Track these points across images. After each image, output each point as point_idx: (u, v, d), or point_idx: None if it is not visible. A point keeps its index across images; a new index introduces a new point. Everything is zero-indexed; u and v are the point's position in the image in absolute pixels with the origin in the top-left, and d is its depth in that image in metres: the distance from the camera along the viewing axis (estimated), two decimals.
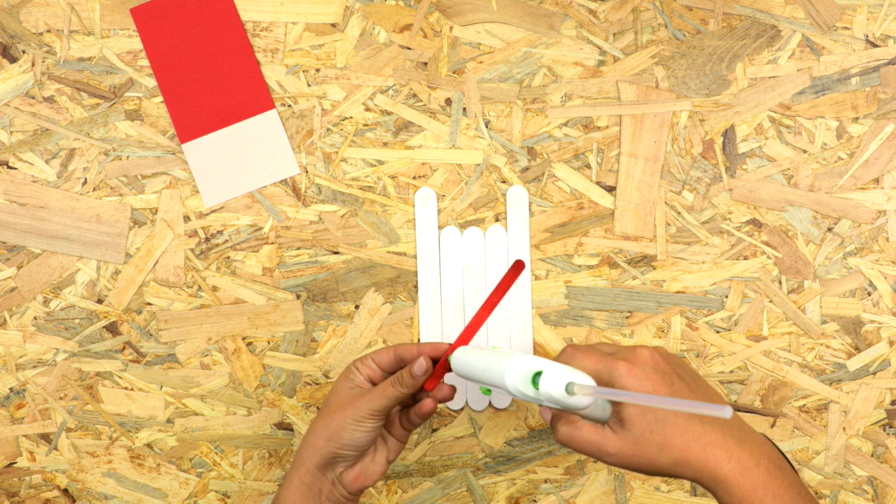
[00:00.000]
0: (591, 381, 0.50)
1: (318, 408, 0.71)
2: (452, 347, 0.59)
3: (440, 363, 0.59)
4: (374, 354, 0.61)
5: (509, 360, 0.52)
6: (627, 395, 0.48)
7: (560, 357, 0.55)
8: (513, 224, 0.71)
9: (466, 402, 0.71)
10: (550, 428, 0.55)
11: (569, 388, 0.49)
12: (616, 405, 0.51)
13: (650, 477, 0.69)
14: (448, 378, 0.63)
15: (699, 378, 0.55)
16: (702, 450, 0.50)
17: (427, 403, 0.59)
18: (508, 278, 0.59)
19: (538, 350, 0.72)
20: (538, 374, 0.50)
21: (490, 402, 0.71)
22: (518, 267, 0.58)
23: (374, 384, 0.60)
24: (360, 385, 0.60)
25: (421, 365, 0.57)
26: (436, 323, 0.71)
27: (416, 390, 0.58)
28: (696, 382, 0.54)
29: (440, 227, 0.71)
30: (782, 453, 0.53)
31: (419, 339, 0.71)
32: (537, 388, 0.50)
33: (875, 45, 0.72)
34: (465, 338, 0.59)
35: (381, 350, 0.61)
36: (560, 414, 0.53)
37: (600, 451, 0.52)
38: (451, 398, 0.60)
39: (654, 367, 0.52)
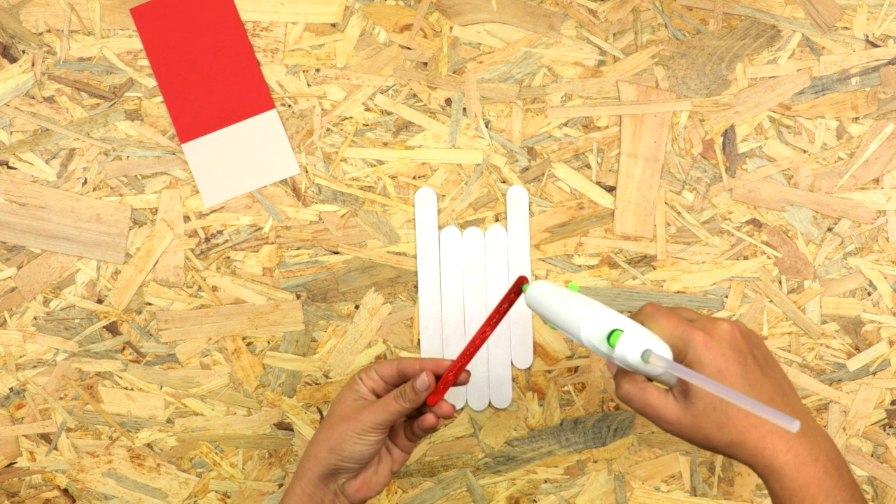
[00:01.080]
0: (667, 351, 0.49)
1: (318, 409, 0.71)
2: (454, 366, 0.59)
3: (443, 379, 0.59)
4: (378, 367, 0.61)
5: (588, 311, 0.51)
6: (699, 379, 0.46)
7: (638, 315, 0.53)
8: (513, 224, 0.71)
9: (466, 403, 0.71)
10: (613, 380, 0.54)
11: (644, 355, 0.48)
12: (690, 386, 0.50)
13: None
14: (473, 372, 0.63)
15: (773, 362, 0.53)
16: (762, 437, 0.49)
17: (429, 418, 0.59)
18: (510, 296, 0.59)
19: (538, 350, 0.72)
20: (615, 332, 0.50)
21: (490, 402, 0.71)
22: (520, 284, 0.58)
23: (377, 396, 0.60)
24: (363, 397, 0.60)
25: (424, 381, 0.58)
26: (436, 323, 0.71)
27: (418, 405, 0.59)
28: (770, 366, 0.52)
29: (440, 227, 0.71)
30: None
31: (419, 340, 0.71)
32: (612, 347, 0.49)
33: (875, 45, 0.72)
34: (466, 357, 0.59)
35: (385, 363, 0.61)
36: (625, 373, 0.52)
37: (659, 417, 0.51)
38: (451, 415, 0.60)
39: (732, 344, 0.50)
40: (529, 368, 0.72)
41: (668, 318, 0.52)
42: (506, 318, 0.71)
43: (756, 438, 0.49)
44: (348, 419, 0.58)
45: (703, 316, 0.53)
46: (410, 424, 0.61)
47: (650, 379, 0.52)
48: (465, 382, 0.60)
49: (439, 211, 0.72)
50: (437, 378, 0.59)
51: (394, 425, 0.61)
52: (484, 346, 0.71)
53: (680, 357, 0.50)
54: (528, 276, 0.71)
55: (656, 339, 0.50)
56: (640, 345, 0.49)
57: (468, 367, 0.60)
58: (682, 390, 0.51)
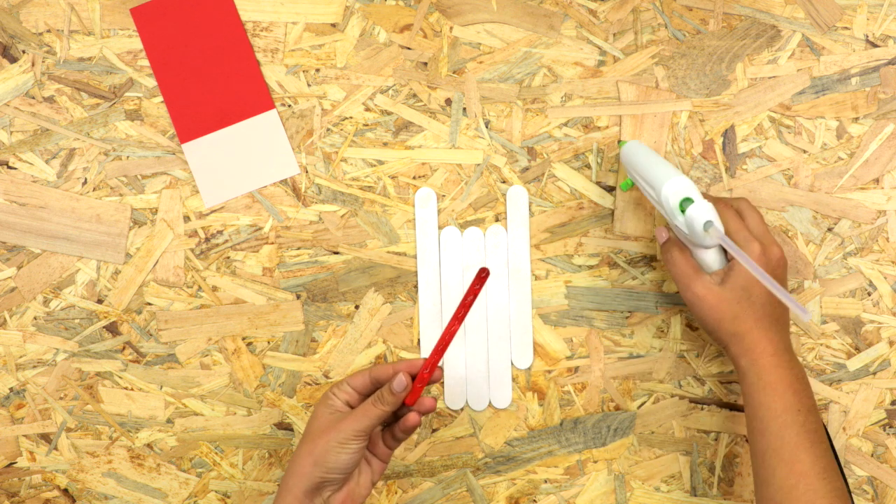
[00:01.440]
0: (723, 229, 0.59)
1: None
2: (427, 363, 0.60)
3: (419, 377, 0.60)
4: (350, 379, 0.61)
5: (673, 175, 0.60)
6: (744, 258, 0.54)
7: (717, 205, 0.61)
8: (513, 224, 0.71)
9: (466, 402, 0.71)
10: (660, 246, 0.65)
11: (706, 226, 0.58)
12: (726, 273, 0.60)
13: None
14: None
15: (789, 317, 0.63)
16: (759, 338, 0.60)
17: (412, 417, 0.60)
18: (474, 287, 0.60)
19: (538, 350, 0.72)
20: (687, 200, 0.59)
21: (490, 402, 0.71)
22: (482, 275, 0.59)
23: (351, 408, 0.60)
24: (339, 409, 0.60)
25: (401, 381, 0.59)
26: (436, 323, 0.71)
27: (397, 407, 0.59)
28: (787, 317, 0.63)
29: (440, 228, 0.71)
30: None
31: (419, 340, 0.71)
32: (682, 212, 0.59)
33: (875, 45, 0.72)
34: (439, 352, 0.60)
35: (356, 374, 0.61)
36: (676, 241, 0.63)
37: (689, 286, 0.61)
38: (433, 409, 0.61)
39: (775, 267, 0.61)
40: (529, 368, 0.72)
41: (736, 221, 0.61)
42: (506, 318, 0.71)
43: (755, 339, 0.60)
44: (329, 431, 0.58)
45: (765, 233, 0.62)
46: (389, 431, 0.62)
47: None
48: (438, 379, 0.61)
49: (439, 211, 0.72)
50: (413, 378, 0.60)
51: (372, 435, 0.61)
52: (484, 346, 0.71)
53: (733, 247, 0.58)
54: (528, 274, 0.71)
55: (718, 221, 0.59)
56: (706, 216, 0.58)
57: (442, 365, 0.63)
58: (719, 278, 0.61)
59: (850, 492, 0.60)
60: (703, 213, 0.59)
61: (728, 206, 0.63)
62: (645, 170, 0.63)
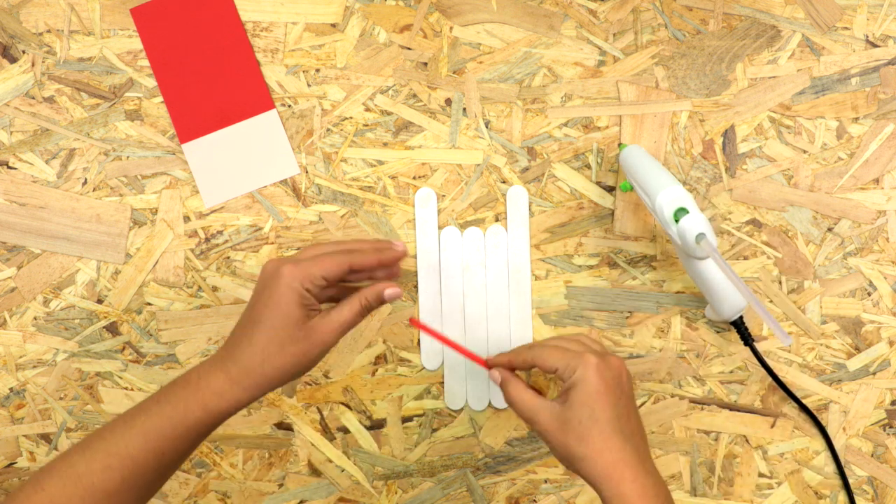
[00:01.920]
0: (715, 242, 0.59)
1: (318, 409, 0.71)
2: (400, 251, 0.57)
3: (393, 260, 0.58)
4: (324, 269, 0.54)
5: (670, 184, 0.61)
6: (732, 274, 0.55)
7: (552, 340, 0.59)
8: (513, 224, 0.71)
9: (466, 402, 0.71)
10: (500, 388, 0.60)
11: (698, 238, 0.58)
12: (566, 392, 0.56)
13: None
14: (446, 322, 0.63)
15: (638, 413, 0.59)
16: (613, 462, 0.54)
17: (393, 292, 0.56)
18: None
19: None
20: (682, 210, 0.59)
21: (490, 402, 0.71)
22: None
23: (313, 296, 0.54)
24: (310, 303, 0.54)
25: (396, 293, 0.56)
26: (436, 323, 0.71)
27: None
28: (636, 413, 0.58)
29: (440, 228, 0.71)
30: None
31: (419, 341, 0.71)
32: (676, 222, 0.59)
33: (875, 45, 0.72)
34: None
35: (327, 260, 0.54)
36: (512, 378, 0.59)
37: (534, 416, 0.57)
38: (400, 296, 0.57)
39: (616, 376, 0.56)
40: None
41: (571, 339, 0.59)
42: (506, 318, 0.71)
43: (608, 461, 0.54)
44: (312, 332, 0.54)
45: (601, 346, 0.60)
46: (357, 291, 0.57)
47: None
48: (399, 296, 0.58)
49: (439, 211, 0.71)
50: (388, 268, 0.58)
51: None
52: (484, 346, 0.71)
53: (570, 372, 0.56)
54: (528, 274, 0.71)
55: (713, 234, 0.59)
56: (699, 228, 0.58)
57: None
58: (562, 398, 0.56)
59: None
60: (696, 224, 0.59)
61: (558, 338, 0.61)
62: (642, 176, 0.64)
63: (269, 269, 0.55)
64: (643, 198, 0.63)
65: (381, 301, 0.56)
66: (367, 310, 0.56)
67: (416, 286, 0.71)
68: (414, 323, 0.61)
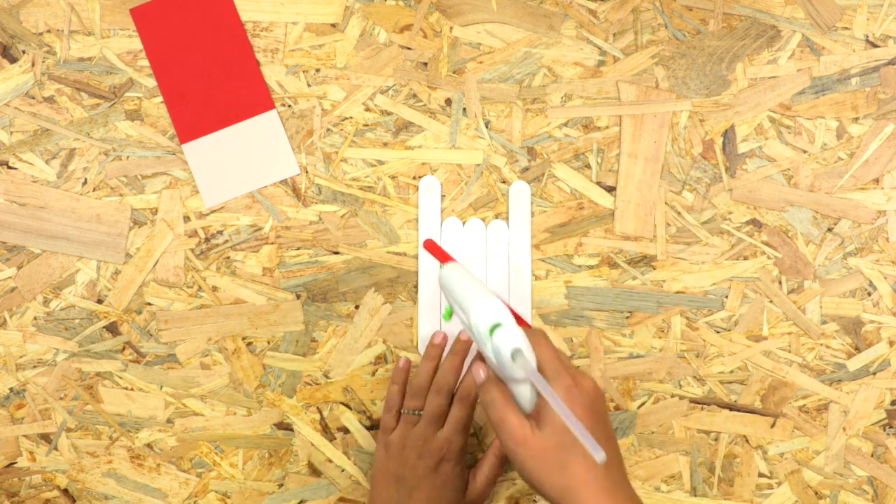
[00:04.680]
0: (534, 361, 0.52)
1: (318, 409, 0.71)
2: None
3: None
4: (463, 440, 0.65)
5: (483, 297, 0.54)
6: (550, 395, 0.49)
7: (528, 332, 0.56)
8: (514, 220, 0.71)
9: None
10: (478, 387, 0.56)
11: (514, 354, 0.51)
12: (543, 410, 0.52)
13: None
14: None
15: (613, 436, 0.56)
16: (597, 493, 0.51)
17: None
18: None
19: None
20: (498, 325, 0.52)
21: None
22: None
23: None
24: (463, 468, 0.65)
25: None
26: (435, 323, 0.71)
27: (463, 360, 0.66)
28: (612, 439, 0.55)
29: (442, 220, 0.71)
30: None
31: (418, 341, 0.71)
32: (491, 336, 0.52)
33: (875, 45, 0.72)
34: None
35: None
36: (496, 380, 0.55)
37: (511, 435, 0.52)
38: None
39: (591, 400, 0.53)
40: None
41: (549, 350, 0.55)
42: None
43: (591, 493, 0.51)
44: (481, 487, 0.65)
45: (575, 367, 0.56)
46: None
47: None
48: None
49: (440, 210, 0.72)
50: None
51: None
52: None
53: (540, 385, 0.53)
54: (529, 272, 0.71)
55: (529, 349, 0.52)
56: (514, 342, 0.51)
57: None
58: (538, 420, 0.53)
59: None
60: (511, 339, 0.52)
61: (540, 336, 0.56)
62: (459, 293, 0.58)
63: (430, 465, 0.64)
64: (462, 320, 0.56)
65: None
66: (504, 460, 0.67)
67: (415, 286, 0.71)
68: (428, 247, 0.64)
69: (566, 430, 0.51)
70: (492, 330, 0.52)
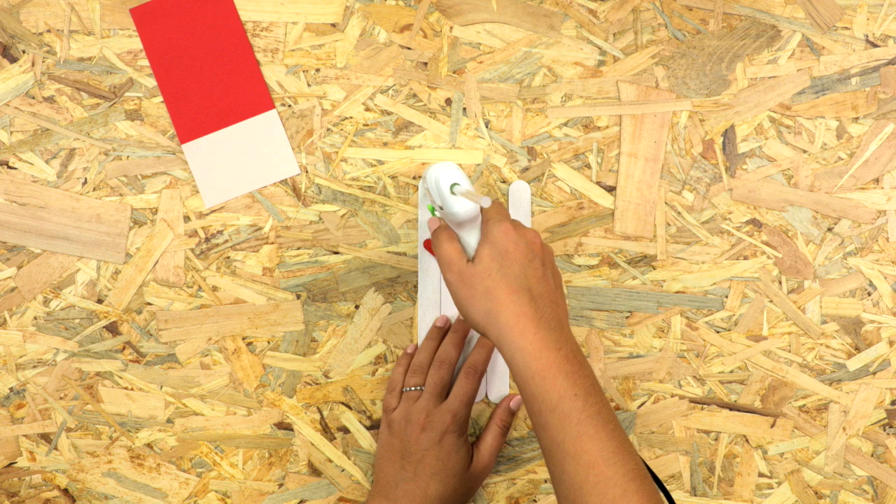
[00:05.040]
0: (477, 199, 0.55)
1: (318, 409, 0.71)
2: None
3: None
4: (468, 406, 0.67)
5: (438, 164, 0.59)
6: (471, 195, 0.54)
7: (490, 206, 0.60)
8: (515, 219, 0.71)
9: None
10: (431, 233, 0.60)
11: (452, 187, 0.56)
12: (478, 250, 0.56)
13: None
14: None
15: (559, 280, 0.59)
16: (516, 315, 0.53)
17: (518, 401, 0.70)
18: None
19: None
20: (454, 184, 0.57)
21: (486, 396, 0.71)
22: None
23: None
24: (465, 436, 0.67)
25: (519, 401, 0.70)
26: (434, 312, 0.71)
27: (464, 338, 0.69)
28: (554, 277, 0.58)
29: None
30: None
31: (418, 340, 0.71)
32: (453, 193, 0.56)
33: (875, 45, 0.72)
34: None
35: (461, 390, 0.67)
36: (446, 227, 0.59)
37: (450, 266, 0.57)
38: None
39: (528, 243, 0.56)
40: None
41: (501, 207, 0.59)
42: None
43: (511, 315, 0.53)
44: (472, 486, 0.67)
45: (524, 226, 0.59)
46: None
47: None
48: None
49: None
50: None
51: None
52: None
53: (485, 230, 0.57)
54: None
55: (467, 181, 0.57)
56: (453, 178, 0.57)
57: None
58: (474, 257, 0.57)
59: (648, 466, 0.56)
60: (453, 178, 0.57)
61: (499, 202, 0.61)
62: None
63: (436, 436, 0.65)
64: (430, 199, 0.61)
65: (513, 415, 0.70)
66: (507, 429, 0.70)
67: (415, 286, 0.71)
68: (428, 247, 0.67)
69: (493, 260, 0.55)
70: (452, 189, 0.57)
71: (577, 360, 0.53)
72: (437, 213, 0.61)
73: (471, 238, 0.58)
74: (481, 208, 0.58)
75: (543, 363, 0.52)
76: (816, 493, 0.72)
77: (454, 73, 0.72)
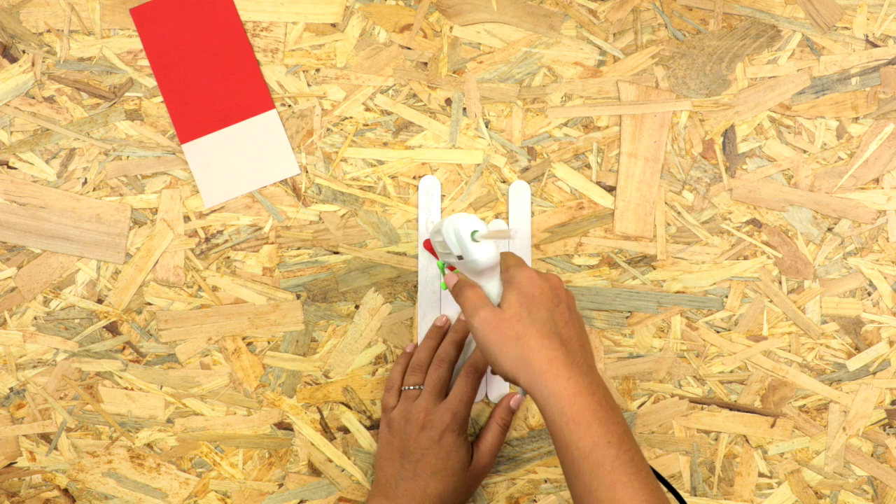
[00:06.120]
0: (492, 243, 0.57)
1: (318, 409, 0.71)
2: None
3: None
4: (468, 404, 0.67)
5: (454, 216, 0.59)
6: (500, 232, 0.55)
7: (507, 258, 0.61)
8: (514, 220, 0.71)
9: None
10: (451, 291, 0.61)
11: (474, 236, 0.57)
12: (504, 296, 0.57)
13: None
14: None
15: (582, 323, 0.59)
16: (548, 360, 0.54)
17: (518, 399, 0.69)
18: None
19: None
20: (475, 231, 0.57)
21: (486, 395, 0.71)
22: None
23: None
24: (464, 441, 0.66)
25: (518, 399, 0.69)
26: (434, 313, 0.71)
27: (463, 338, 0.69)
28: (578, 323, 0.58)
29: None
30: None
31: (418, 340, 0.71)
32: (475, 240, 0.57)
33: (875, 45, 0.72)
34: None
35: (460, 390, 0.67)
36: (466, 279, 0.60)
37: (475, 312, 0.56)
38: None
39: (553, 287, 0.57)
40: None
41: (519, 258, 0.60)
42: None
43: (543, 360, 0.54)
44: (472, 484, 0.67)
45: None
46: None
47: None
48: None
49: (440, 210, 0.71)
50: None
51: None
52: None
53: (508, 278, 0.57)
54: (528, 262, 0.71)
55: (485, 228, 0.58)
56: (474, 226, 0.57)
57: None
58: (501, 303, 0.57)
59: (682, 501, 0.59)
60: (472, 225, 0.58)
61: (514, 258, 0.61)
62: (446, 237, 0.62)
63: (436, 435, 0.65)
64: (444, 249, 0.61)
65: (513, 413, 0.70)
66: (507, 428, 0.69)
67: (415, 286, 0.71)
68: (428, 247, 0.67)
69: (521, 305, 0.55)
70: (473, 237, 0.57)
71: (610, 406, 0.54)
72: (446, 267, 0.63)
73: (492, 287, 0.58)
74: (500, 255, 0.59)
75: (577, 409, 0.53)
76: (816, 493, 0.72)
77: (454, 73, 0.72)
